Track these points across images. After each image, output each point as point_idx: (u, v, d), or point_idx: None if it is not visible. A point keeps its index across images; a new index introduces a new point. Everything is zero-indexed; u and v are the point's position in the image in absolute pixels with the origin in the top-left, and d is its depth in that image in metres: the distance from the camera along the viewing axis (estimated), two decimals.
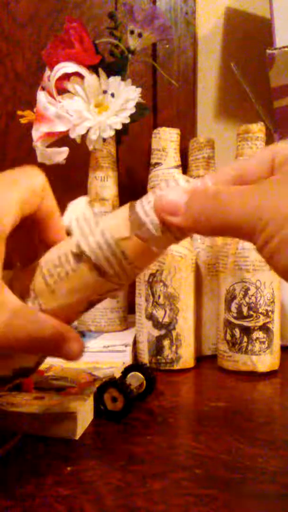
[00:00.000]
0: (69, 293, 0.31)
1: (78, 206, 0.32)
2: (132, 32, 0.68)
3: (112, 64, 0.68)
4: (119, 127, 0.63)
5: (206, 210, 0.27)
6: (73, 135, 0.64)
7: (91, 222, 0.31)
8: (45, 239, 0.33)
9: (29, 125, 0.68)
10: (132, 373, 0.46)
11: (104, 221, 0.31)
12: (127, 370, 0.47)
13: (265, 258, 0.26)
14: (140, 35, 0.68)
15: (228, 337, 0.56)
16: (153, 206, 0.29)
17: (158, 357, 0.57)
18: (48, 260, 0.31)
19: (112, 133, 0.64)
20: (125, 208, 0.31)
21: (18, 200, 0.30)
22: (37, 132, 0.65)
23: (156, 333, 0.57)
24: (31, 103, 0.68)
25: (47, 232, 0.33)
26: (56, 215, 0.33)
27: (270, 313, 0.56)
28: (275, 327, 0.56)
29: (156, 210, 0.29)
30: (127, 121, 0.64)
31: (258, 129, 0.58)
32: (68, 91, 0.65)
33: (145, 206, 0.30)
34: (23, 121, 0.70)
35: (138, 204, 0.30)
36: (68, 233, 0.32)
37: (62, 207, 0.35)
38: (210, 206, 0.27)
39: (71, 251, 0.30)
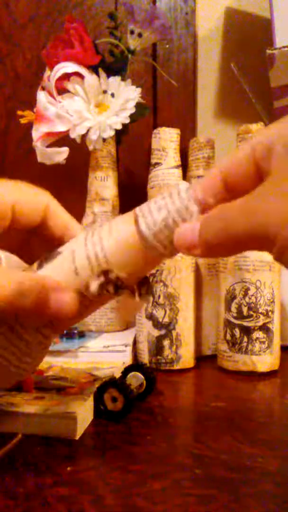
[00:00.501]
0: (87, 310, 0.32)
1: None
2: (132, 32, 0.68)
3: (112, 64, 0.68)
4: (119, 127, 0.64)
5: (217, 235, 0.27)
6: (73, 135, 0.64)
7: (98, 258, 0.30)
8: None
9: (29, 125, 0.68)
10: (132, 373, 0.46)
11: (109, 249, 0.30)
12: (127, 370, 0.47)
13: (286, 266, 0.26)
14: (140, 35, 0.68)
15: (228, 337, 0.56)
16: (165, 233, 0.29)
17: (158, 357, 0.57)
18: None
19: (112, 133, 0.64)
20: (129, 232, 0.30)
21: (9, 198, 0.31)
22: (37, 132, 0.65)
23: (156, 333, 0.57)
24: (31, 103, 0.69)
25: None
26: (72, 229, 0.33)
27: (270, 313, 0.56)
28: (275, 327, 0.56)
29: (178, 249, 0.29)
30: (127, 121, 0.64)
31: (258, 129, 0.58)
32: (68, 91, 0.65)
33: (158, 235, 0.29)
34: (23, 121, 0.70)
35: (146, 229, 0.29)
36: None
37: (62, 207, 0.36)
38: (219, 230, 0.27)
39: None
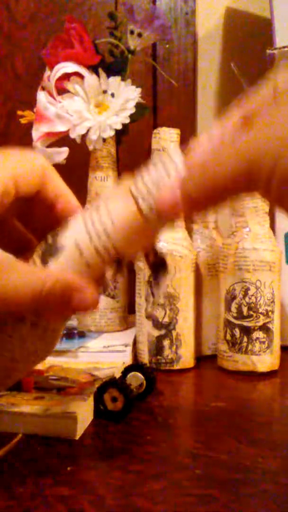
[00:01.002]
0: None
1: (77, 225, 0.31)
2: (132, 32, 0.68)
3: (112, 64, 0.68)
4: (119, 127, 0.63)
5: (202, 182, 0.26)
6: (73, 135, 0.64)
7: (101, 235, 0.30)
8: (59, 220, 0.32)
9: (29, 125, 0.68)
10: (132, 373, 0.46)
11: (115, 237, 0.30)
12: (127, 370, 0.47)
13: (274, 201, 0.24)
14: (140, 35, 0.68)
15: (228, 337, 0.56)
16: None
17: (158, 357, 0.57)
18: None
19: (112, 133, 0.64)
20: (132, 216, 0.29)
21: (10, 172, 0.30)
22: (37, 132, 0.65)
23: (156, 333, 0.57)
24: (31, 103, 0.69)
25: (59, 212, 0.32)
26: (65, 196, 0.32)
27: (270, 313, 0.56)
28: (275, 327, 0.56)
29: (162, 213, 0.28)
30: (127, 121, 0.64)
31: None
32: (68, 91, 0.65)
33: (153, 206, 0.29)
34: (23, 121, 0.70)
35: (148, 211, 0.29)
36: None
37: None
38: (204, 177, 0.26)
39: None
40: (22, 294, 0.28)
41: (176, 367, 0.57)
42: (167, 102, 0.86)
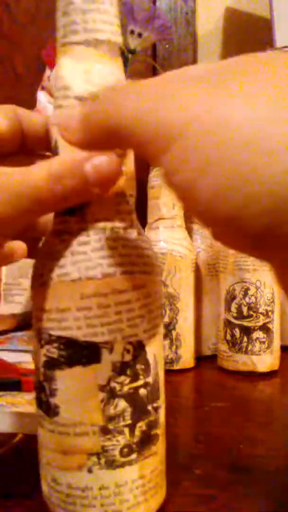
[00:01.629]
0: None
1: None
2: (132, 32, 0.68)
3: None
4: None
5: (95, 114, 0.22)
6: None
7: None
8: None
9: None
10: None
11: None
12: None
13: (164, 177, 0.20)
14: (140, 35, 0.68)
15: (228, 337, 0.56)
16: None
17: None
18: None
19: None
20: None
21: None
22: None
23: None
24: (31, 103, 0.69)
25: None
26: (46, 119, 0.29)
27: (270, 313, 0.56)
28: (275, 327, 0.56)
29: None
30: None
31: None
32: None
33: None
34: None
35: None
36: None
37: None
38: (100, 108, 0.22)
39: None
40: (29, 195, 0.24)
41: (176, 367, 0.57)
42: None
